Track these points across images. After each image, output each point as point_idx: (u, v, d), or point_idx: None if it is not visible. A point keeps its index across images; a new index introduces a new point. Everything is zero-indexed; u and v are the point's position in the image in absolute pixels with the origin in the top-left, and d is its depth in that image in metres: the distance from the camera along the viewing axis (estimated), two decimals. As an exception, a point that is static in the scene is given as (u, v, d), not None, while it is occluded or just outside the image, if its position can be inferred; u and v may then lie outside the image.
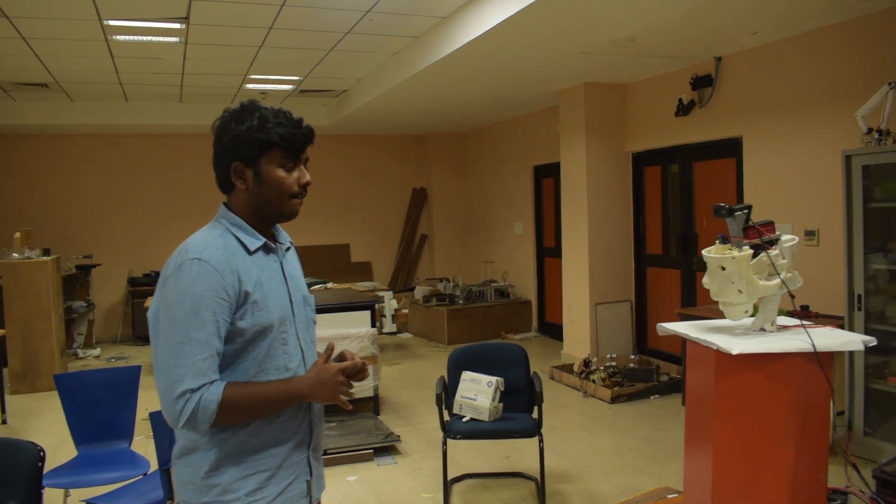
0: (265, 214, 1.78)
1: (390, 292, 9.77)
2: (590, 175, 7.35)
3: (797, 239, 1.87)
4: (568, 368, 7.04)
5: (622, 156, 7.53)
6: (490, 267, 10.44)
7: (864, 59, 4.93)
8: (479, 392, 4.25)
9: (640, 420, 5.67)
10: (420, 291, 9.73)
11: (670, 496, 2.52)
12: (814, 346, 1.72)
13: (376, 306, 6.29)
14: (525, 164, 9.58)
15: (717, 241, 1.92)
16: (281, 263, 1.83)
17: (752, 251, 1.89)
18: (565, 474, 4.60)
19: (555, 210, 9.01)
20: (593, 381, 6.47)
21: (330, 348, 1.81)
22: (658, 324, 2.02)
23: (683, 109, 6.57)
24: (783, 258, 1.86)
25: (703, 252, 1.94)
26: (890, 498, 2.93)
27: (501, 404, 4.27)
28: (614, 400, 6.13)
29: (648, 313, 7.57)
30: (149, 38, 5.88)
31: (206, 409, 1.58)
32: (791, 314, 5.16)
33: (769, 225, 1.87)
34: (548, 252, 9.32)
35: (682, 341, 6.01)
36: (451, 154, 11.38)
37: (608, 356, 6.86)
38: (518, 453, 4.93)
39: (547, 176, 9.19)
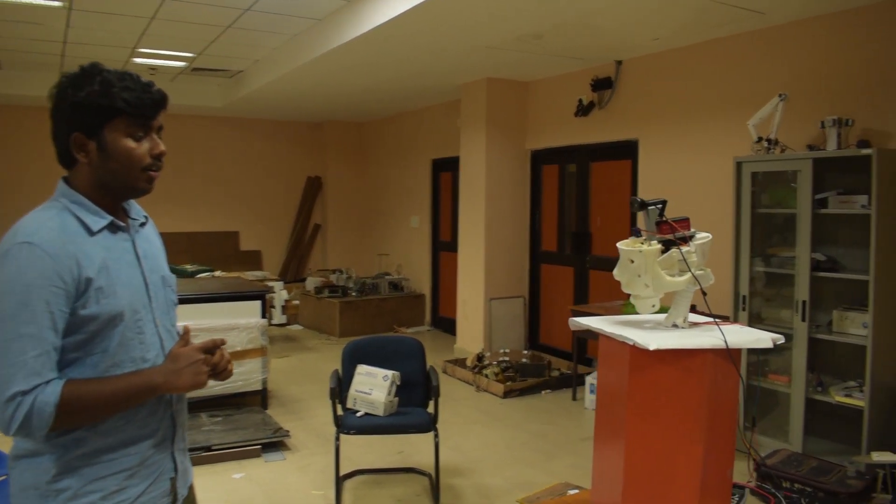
0: (113, 190, 1.60)
1: (281, 282, 9.47)
2: (489, 170, 7.36)
3: (710, 237, 1.86)
4: (461, 363, 7.03)
5: (521, 153, 7.59)
6: (384, 259, 10.31)
7: (757, 70, 5.15)
8: (374, 386, 4.14)
9: (532, 414, 5.72)
10: (312, 282, 9.49)
11: (571, 492, 2.50)
12: (726, 342, 1.71)
13: (267, 296, 6.04)
14: (423, 156, 9.51)
15: (633, 235, 1.89)
16: (133, 242, 1.65)
17: (661, 246, 1.86)
18: (458, 468, 4.55)
19: (452, 204, 8.99)
20: (486, 376, 6.48)
21: (187, 331, 1.65)
22: (570, 318, 1.97)
23: (583, 110, 6.68)
24: (695, 255, 1.85)
25: (618, 244, 1.91)
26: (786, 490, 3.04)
27: (397, 398, 4.18)
28: (506, 395, 6.16)
29: (541, 309, 7.67)
30: (27, -2, 5.38)
31: (41, 413, 1.40)
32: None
33: (684, 221, 1.86)
34: (443, 246, 9.29)
35: (574, 338, 6.13)
36: (348, 143, 11.16)
37: (501, 351, 6.89)
38: (411, 448, 4.85)
39: (445, 170, 9.16)
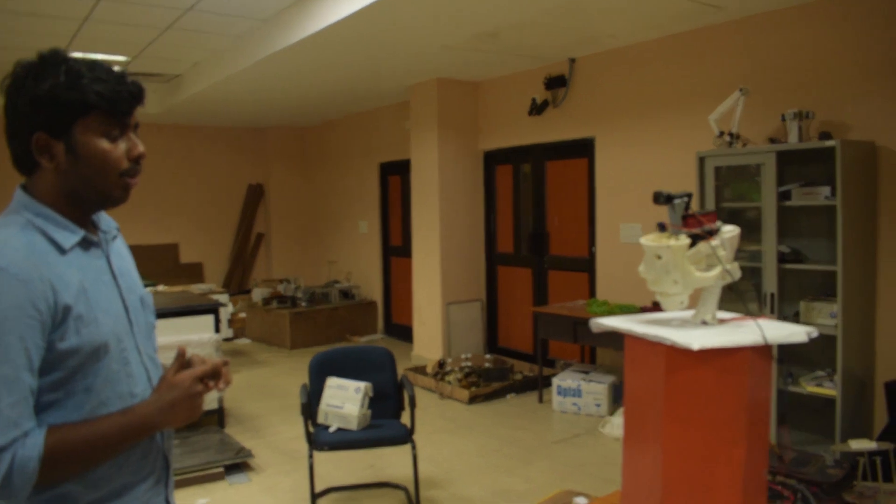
0: (84, 199, 1.37)
1: (226, 295, 9.13)
2: (442, 173, 7.23)
3: (738, 229, 1.77)
4: (421, 370, 6.87)
5: (474, 154, 7.49)
6: (333, 267, 10.07)
7: (716, 65, 5.17)
8: (346, 399, 3.95)
9: (500, 420, 5.60)
10: (259, 294, 9.18)
11: (578, 500, 2.38)
12: (765, 338, 1.62)
13: (219, 310, 5.76)
14: (371, 160, 9.32)
15: (657, 229, 1.79)
16: (108, 259, 1.42)
17: (689, 241, 1.77)
18: (433, 480, 4.40)
19: (402, 209, 8.83)
20: (449, 383, 6.34)
21: (181, 354, 1.42)
22: (592, 320, 1.86)
23: (537, 109, 6.62)
24: (723, 249, 1.76)
25: (641, 240, 1.81)
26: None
27: (370, 411, 4.00)
28: (472, 400, 6.04)
29: (499, 312, 7.58)
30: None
31: (23, 471, 1.18)
32: (644, 310, 5.31)
33: (710, 214, 1.76)
34: (394, 251, 9.12)
35: (537, 340, 6.05)
36: (291, 149, 10.87)
37: (463, 356, 6.77)
38: (382, 461, 4.67)
39: (394, 173, 8.99)
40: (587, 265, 6.43)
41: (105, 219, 1.49)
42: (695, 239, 1.77)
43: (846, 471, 3.77)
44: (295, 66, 6.42)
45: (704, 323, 1.79)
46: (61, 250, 1.31)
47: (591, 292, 6.34)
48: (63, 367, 1.27)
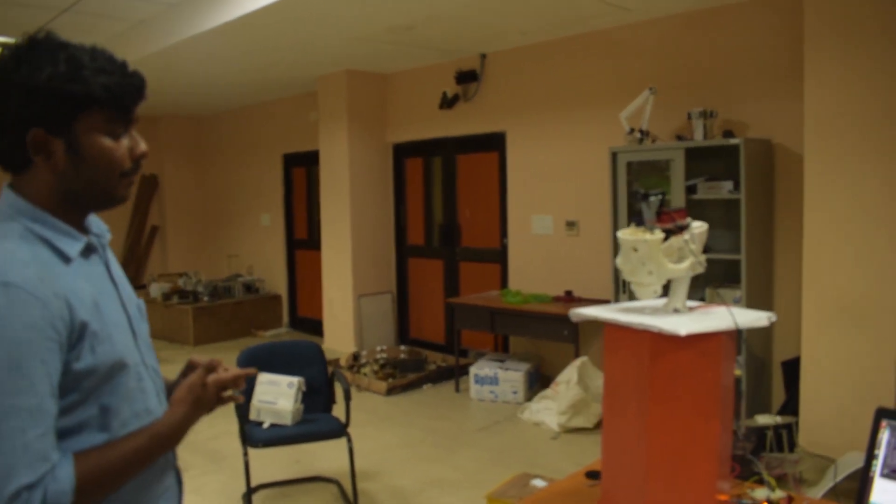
0: (83, 201, 1.26)
1: (121, 291, 8.69)
2: (352, 165, 7.20)
3: (706, 225, 1.93)
4: (334, 363, 6.83)
5: (383, 146, 7.50)
6: (234, 261, 9.80)
7: (626, 63, 5.41)
8: (278, 395, 3.91)
9: (420, 410, 5.67)
10: (158, 289, 8.80)
11: (536, 482, 2.49)
12: (737, 323, 1.78)
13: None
14: (274, 152, 9.12)
15: (633, 224, 1.92)
16: (107, 266, 1.32)
17: (663, 235, 1.90)
18: (364, 472, 4.41)
19: (308, 201, 8.71)
20: (365, 375, 6.35)
21: (217, 363, 1.38)
22: (572, 310, 1.96)
23: (448, 103, 6.71)
24: (694, 243, 1.91)
25: (618, 233, 1.93)
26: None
27: (303, 406, 3.98)
28: (389, 392, 6.07)
29: (410, 304, 7.64)
30: None
31: None
32: (556, 299, 5.51)
33: (681, 211, 1.91)
34: (299, 244, 8.99)
35: (454, 330, 6.14)
36: (186, 139, 10.45)
37: (378, 349, 6.79)
38: (308, 456, 4.63)
39: (299, 165, 8.84)
40: (499, 256, 6.60)
41: (95, 221, 1.36)
42: (667, 233, 1.90)
43: (755, 444, 4.10)
44: (201, 55, 6.21)
45: (676, 310, 1.92)
46: (66, 260, 1.20)
47: (503, 283, 6.51)
48: (78, 389, 1.17)
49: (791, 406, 4.34)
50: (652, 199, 1.92)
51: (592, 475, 2.18)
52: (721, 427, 1.80)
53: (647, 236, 1.87)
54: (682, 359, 1.75)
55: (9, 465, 1.05)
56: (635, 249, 1.88)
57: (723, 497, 1.86)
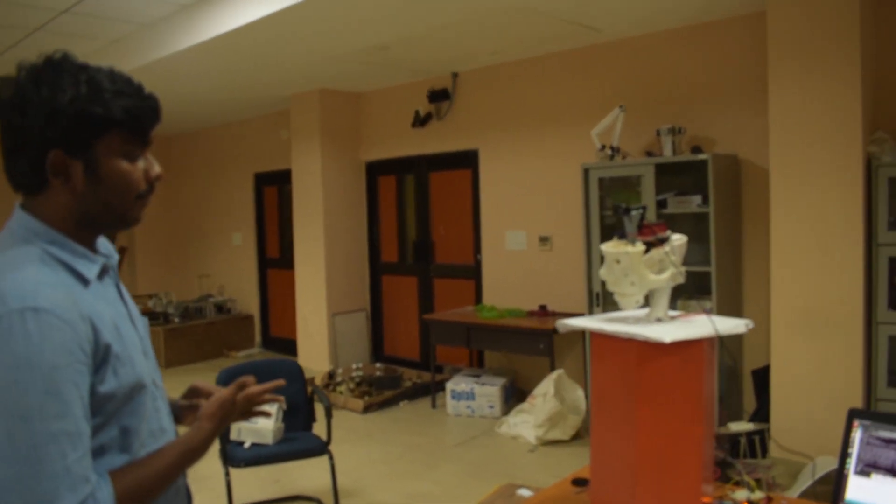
0: (98, 223, 1.26)
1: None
2: (325, 183, 7.23)
3: (686, 238, 2.02)
4: (310, 382, 6.81)
5: (356, 165, 7.54)
6: (205, 281, 9.72)
7: (596, 82, 5.55)
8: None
9: (397, 427, 5.69)
10: (127, 311, 8.69)
11: (522, 491, 2.54)
12: (717, 330, 1.85)
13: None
14: (245, 171, 9.10)
15: (615, 238, 2.00)
16: (118, 287, 1.34)
17: (644, 247, 1.98)
18: (346, 489, 4.41)
19: (280, 219, 8.70)
20: (341, 393, 6.35)
21: (248, 381, 1.43)
22: (559, 321, 2.03)
23: (420, 121, 6.79)
24: (674, 255, 1.99)
25: (602, 246, 2.01)
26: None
27: (283, 424, 3.98)
28: (366, 410, 6.08)
29: (384, 322, 7.66)
30: None
31: None
32: (531, 314, 5.57)
33: (662, 225, 1.99)
34: (272, 263, 8.96)
35: (429, 346, 6.18)
36: (155, 158, 10.35)
37: (354, 366, 6.79)
38: (287, 475, 4.62)
39: (270, 184, 8.83)
40: (473, 272, 6.67)
41: (103, 242, 1.37)
42: (649, 246, 1.98)
43: (727, 451, 4.20)
44: (174, 75, 6.20)
45: (659, 319, 2.00)
46: (84, 282, 1.21)
47: (478, 299, 6.58)
48: (102, 412, 1.17)
49: (762, 413, 4.45)
50: (633, 213, 2.00)
51: (579, 482, 2.24)
52: (704, 429, 1.88)
53: (630, 248, 1.94)
54: (668, 365, 1.82)
55: (54, 489, 1.06)
56: (618, 261, 1.96)
57: (707, 499, 1.94)
